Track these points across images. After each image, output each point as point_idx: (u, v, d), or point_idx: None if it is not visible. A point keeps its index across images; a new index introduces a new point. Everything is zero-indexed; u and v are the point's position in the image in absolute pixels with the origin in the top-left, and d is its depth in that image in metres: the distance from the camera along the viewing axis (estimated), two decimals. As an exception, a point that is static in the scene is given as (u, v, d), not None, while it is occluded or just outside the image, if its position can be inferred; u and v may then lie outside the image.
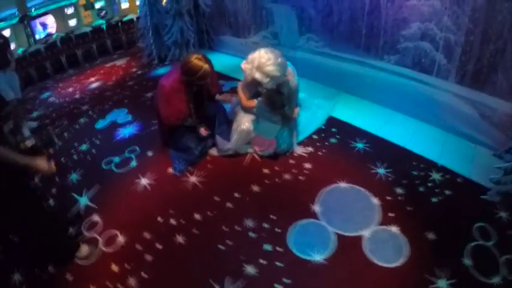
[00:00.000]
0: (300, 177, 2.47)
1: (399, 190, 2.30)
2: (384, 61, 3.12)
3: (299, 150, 2.72)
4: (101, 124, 3.66)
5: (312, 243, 1.96)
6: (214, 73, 2.70)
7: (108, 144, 3.27)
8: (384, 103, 3.24)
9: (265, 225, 2.11)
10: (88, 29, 6.19)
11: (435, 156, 2.61)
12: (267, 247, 1.96)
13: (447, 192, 2.27)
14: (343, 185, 2.37)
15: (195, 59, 2.43)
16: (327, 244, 1.95)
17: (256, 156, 2.74)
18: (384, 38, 3.02)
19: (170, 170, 2.73)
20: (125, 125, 3.55)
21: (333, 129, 2.98)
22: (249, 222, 2.14)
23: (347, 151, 2.73)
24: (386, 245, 1.92)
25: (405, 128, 2.97)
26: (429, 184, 2.35)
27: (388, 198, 2.25)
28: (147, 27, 4.92)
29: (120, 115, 3.76)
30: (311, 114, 3.01)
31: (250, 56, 2.30)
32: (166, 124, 2.69)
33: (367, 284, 1.75)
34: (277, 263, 1.87)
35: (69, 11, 6.50)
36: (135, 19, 6.33)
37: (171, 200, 2.43)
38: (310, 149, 2.75)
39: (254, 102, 2.55)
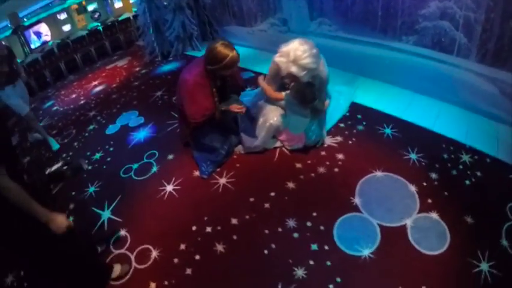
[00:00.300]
0: (335, 169, 2.40)
1: (433, 175, 2.27)
2: (402, 42, 3.03)
3: (328, 140, 2.65)
4: (111, 129, 3.52)
5: (359, 237, 1.92)
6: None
7: (123, 151, 3.13)
8: (404, 85, 3.15)
9: (308, 224, 2.05)
10: (84, 33, 5.99)
11: (461, 137, 2.57)
12: (314, 247, 1.91)
13: (478, 173, 2.26)
14: (379, 174, 2.32)
15: (221, 46, 2.17)
16: (373, 237, 1.91)
17: (285, 151, 2.64)
18: (402, 18, 2.91)
19: (196, 172, 2.62)
20: (138, 128, 3.41)
21: (358, 116, 2.90)
22: (291, 222, 2.07)
23: (376, 138, 2.66)
24: (429, 233, 1.91)
25: (428, 109, 2.91)
26: (460, 167, 2.32)
27: (424, 184, 2.21)
28: (146, 25, 4.73)
29: (131, 118, 3.62)
30: (334, 101, 2.88)
31: (284, 49, 2.09)
32: (193, 123, 2.44)
33: (415, 274, 1.73)
34: (327, 263, 1.82)
35: (62, 16, 6.27)
36: (131, 17, 6.12)
37: (202, 205, 2.32)
38: (339, 138, 2.68)
39: (282, 95, 2.42)
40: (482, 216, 1.97)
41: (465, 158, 2.39)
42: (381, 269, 1.77)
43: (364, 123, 2.83)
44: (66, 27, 6.34)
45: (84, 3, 6.42)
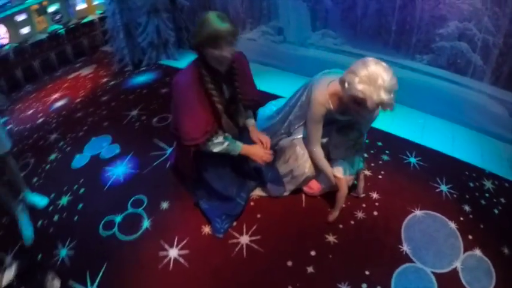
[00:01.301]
0: (375, 213, 2.08)
1: (466, 207, 2.13)
2: (416, 61, 2.82)
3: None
4: (79, 161, 2.76)
5: None
6: (249, 71, 1.90)
7: (98, 194, 2.39)
8: (415, 106, 2.97)
9: (363, 286, 1.70)
10: (44, 36, 4.97)
11: (478, 161, 2.50)
12: None
13: (502, 200, 2.19)
14: (418, 213, 2.08)
15: (211, 14, 1.54)
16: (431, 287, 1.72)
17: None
18: (418, 35, 2.70)
19: (206, 228, 2.03)
20: (114, 160, 2.68)
21: (379, 143, 2.63)
22: (344, 287, 1.71)
23: (403, 169, 2.43)
24: (478, 272, 1.80)
25: (443, 132, 2.78)
26: (487, 195, 2.23)
27: (461, 219, 2.05)
28: (116, 28, 3.96)
29: (103, 146, 2.88)
30: None
31: (363, 73, 1.49)
32: (190, 145, 1.71)
33: None
34: None
35: (21, 17, 5.15)
36: (96, 20, 5.25)
37: (224, 277, 1.77)
38: (367, 172, 2.36)
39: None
40: None
41: (488, 184, 2.31)
42: None
43: (387, 151, 2.57)
44: (25, 30, 5.29)
45: (45, 3, 5.38)
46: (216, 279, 1.78)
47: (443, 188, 2.28)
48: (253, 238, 1.98)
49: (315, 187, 2.15)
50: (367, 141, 2.64)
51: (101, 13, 5.59)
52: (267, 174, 2.11)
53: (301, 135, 2.06)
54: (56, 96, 4.08)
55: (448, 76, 2.75)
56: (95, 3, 5.97)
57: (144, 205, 2.26)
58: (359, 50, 3.08)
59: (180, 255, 1.92)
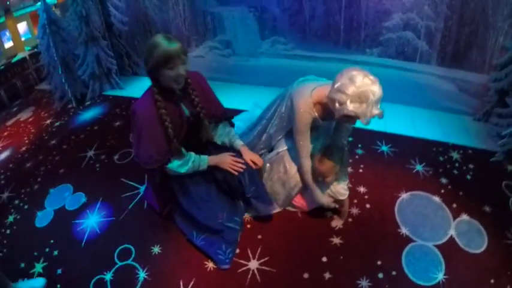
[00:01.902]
0: (367, 206, 2.19)
1: (444, 180, 2.37)
2: (367, 54, 3.06)
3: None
4: (42, 219, 2.46)
5: (427, 265, 1.85)
6: (207, 87, 1.96)
7: (76, 253, 2.15)
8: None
9: (380, 276, 1.78)
10: None
11: (441, 136, 2.79)
12: None
13: (471, 166, 2.49)
14: (405, 196, 2.25)
15: (157, 37, 1.63)
16: (437, 259, 1.89)
17: None
18: (365, 31, 2.94)
19: (209, 264, 1.93)
20: (83, 211, 2.44)
21: (350, 139, 2.73)
22: (364, 282, 1.76)
23: (379, 158, 2.60)
24: (471, 234, 2.02)
25: (403, 116, 3.03)
26: (456, 165, 2.51)
27: (442, 191, 2.28)
28: (52, 63, 3.61)
29: (65, 196, 2.61)
30: None
31: (352, 91, 1.47)
32: (151, 168, 1.81)
33: (485, 273, 1.79)
34: None
35: None
36: (27, 57, 4.71)
37: None
38: (349, 169, 2.43)
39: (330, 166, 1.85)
40: (492, 199, 2.19)
41: (455, 155, 2.60)
42: (460, 281, 1.77)
43: (359, 145, 2.73)
44: None
45: None
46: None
47: (419, 167, 2.49)
48: (262, 261, 1.94)
49: (302, 202, 2.15)
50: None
51: (30, 49, 5.09)
52: (249, 191, 1.92)
53: (286, 147, 2.06)
54: None
55: (399, 64, 3.03)
56: (23, 39, 5.42)
57: (133, 255, 2.08)
58: (311, 53, 3.25)
59: None
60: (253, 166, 1.89)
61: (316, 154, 1.87)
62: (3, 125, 4.05)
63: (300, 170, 1.99)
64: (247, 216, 2.18)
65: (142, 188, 2.53)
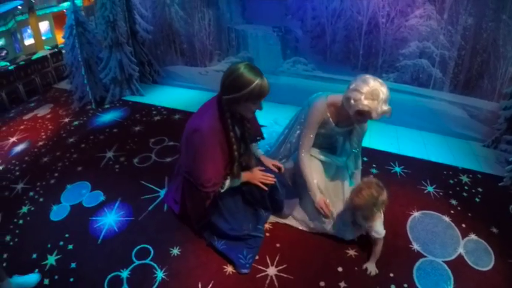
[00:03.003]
0: None
1: (453, 201, 2.54)
2: (383, 79, 3.26)
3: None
4: (58, 213, 2.55)
5: (437, 280, 1.98)
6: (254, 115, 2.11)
7: (92, 249, 2.23)
8: (386, 120, 3.37)
9: (393, 287, 1.90)
10: None
11: (451, 160, 3.00)
12: None
13: (480, 189, 2.67)
14: (416, 214, 2.41)
15: (245, 68, 1.71)
16: (447, 275, 2.01)
17: None
18: (383, 57, 3.19)
19: (228, 268, 2.04)
20: (100, 209, 2.55)
21: (365, 159, 2.92)
22: None
23: (392, 178, 2.75)
24: (478, 253, 2.16)
25: (416, 140, 3.25)
26: (466, 188, 2.69)
27: (452, 212, 2.44)
28: (75, 64, 3.85)
29: (83, 193, 2.72)
30: None
31: (366, 90, 1.78)
32: (209, 192, 1.89)
33: None
34: None
35: None
36: (48, 55, 4.95)
37: None
38: None
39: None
40: (500, 221, 2.36)
41: (464, 179, 2.78)
42: None
43: (374, 165, 2.90)
44: None
45: None
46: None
47: (430, 188, 2.67)
48: (280, 268, 2.05)
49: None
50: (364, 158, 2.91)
51: (50, 48, 5.36)
52: (283, 194, 2.17)
53: None
54: (13, 139, 3.74)
55: (413, 90, 3.28)
56: (43, 38, 5.73)
57: (152, 255, 2.17)
58: (330, 74, 3.51)
59: None
60: (276, 170, 2.07)
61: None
62: (20, 119, 4.24)
63: (299, 164, 2.20)
64: (266, 225, 2.31)
65: (162, 192, 2.67)
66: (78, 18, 3.79)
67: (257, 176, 2.05)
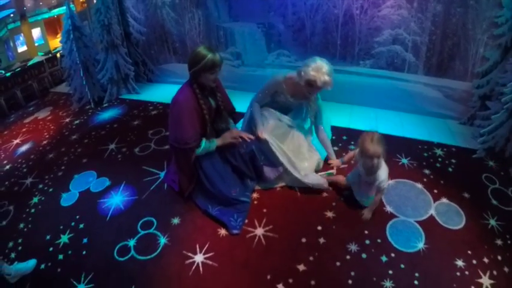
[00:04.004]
0: None
1: (426, 171, 2.88)
2: (360, 66, 3.70)
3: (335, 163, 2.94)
4: (68, 199, 2.94)
5: (409, 236, 2.31)
6: (223, 88, 2.69)
7: (101, 225, 2.62)
8: (366, 103, 3.82)
9: (367, 242, 2.26)
10: None
11: (427, 136, 3.34)
12: (384, 258, 2.15)
13: (453, 161, 3.01)
14: (391, 182, 2.74)
15: (201, 47, 2.33)
16: (418, 232, 2.35)
17: None
18: (359, 45, 3.60)
19: (222, 231, 2.43)
20: (107, 193, 2.93)
21: (344, 137, 3.33)
22: (353, 246, 2.24)
23: (368, 153, 3.15)
24: (450, 214, 2.49)
25: (393, 120, 3.62)
26: (439, 159, 3.02)
27: (425, 180, 2.78)
28: (74, 66, 4.25)
29: (90, 181, 3.11)
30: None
31: (312, 65, 2.46)
32: (188, 148, 2.39)
33: (461, 245, 2.24)
34: (401, 266, 2.10)
35: None
36: (44, 61, 5.37)
37: (254, 264, 2.18)
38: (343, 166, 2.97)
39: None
40: (472, 188, 2.69)
41: (438, 152, 3.13)
42: (439, 250, 2.21)
43: (352, 142, 3.26)
44: None
45: None
46: (246, 269, 2.18)
47: (404, 161, 3.03)
48: (266, 228, 2.44)
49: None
50: (333, 137, 3.29)
51: (43, 54, 5.76)
52: (261, 159, 2.63)
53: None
54: (17, 141, 4.13)
55: (389, 74, 3.66)
56: (36, 44, 6.12)
57: (155, 225, 2.57)
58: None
59: (206, 258, 2.27)
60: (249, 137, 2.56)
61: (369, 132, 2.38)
62: (20, 122, 4.64)
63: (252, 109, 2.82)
64: (254, 193, 2.71)
65: (162, 174, 3.07)
66: (75, 24, 4.20)
67: (228, 136, 2.56)
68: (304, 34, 3.82)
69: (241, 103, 2.99)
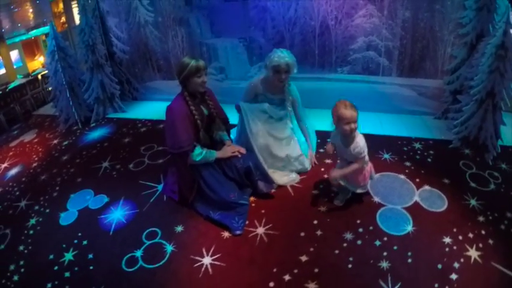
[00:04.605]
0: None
1: (407, 163, 3.22)
2: (338, 73, 4.07)
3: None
4: (67, 218, 3.01)
5: (398, 221, 2.58)
6: (215, 97, 2.95)
7: (106, 240, 2.71)
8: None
9: (360, 230, 2.51)
10: None
11: (405, 132, 3.72)
12: (377, 243, 2.40)
13: (431, 152, 3.37)
14: (375, 175, 2.94)
15: (185, 57, 2.65)
16: (406, 217, 2.62)
17: (296, 185, 3.04)
18: (336, 54, 3.97)
19: (225, 233, 2.62)
20: (107, 208, 3.04)
21: (328, 140, 3.47)
22: (348, 235, 2.48)
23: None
24: (432, 198, 2.79)
25: (372, 121, 3.97)
26: (418, 152, 3.38)
27: (407, 171, 3.11)
28: (59, 87, 4.36)
29: (88, 199, 3.20)
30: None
31: (273, 55, 2.92)
32: (181, 152, 2.62)
33: (447, 224, 2.51)
34: (394, 247, 2.35)
35: None
36: (26, 84, 5.41)
37: (260, 260, 2.37)
38: (328, 161, 3.31)
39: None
40: (451, 174, 3.02)
41: (417, 145, 3.49)
42: (427, 231, 2.48)
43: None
44: None
45: None
46: (253, 265, 2.37)
47: (386, 156, 3.37)
48: (267, 227, 2.66)
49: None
50: (318, 140, 3.57)
51: (22, 77, 5.79)
52: (256, 174, 2.88)
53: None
54: (5, 165, 4.15)
55: (365, 78, 4.06)
56: (15, 67, 6.12)
57: (159, 235, 2.70)
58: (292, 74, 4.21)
59: (214, 260, 2.43)
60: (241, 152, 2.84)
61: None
62: (6, 146, 4.64)
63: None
64: (251, 198, 2.92)
65: (159, 186, 3.22)
66: (59, 44, 4.33)
67: (229, 150, 2.84)
68: (284, 46, 4.06)
69: (229, 115, 3.17)
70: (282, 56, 2.88)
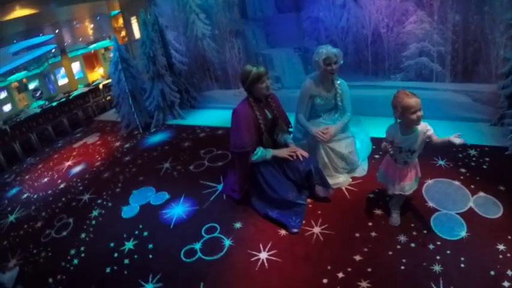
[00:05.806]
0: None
1: (462, 170, 3.26)
2: (391, 80, 4.22)
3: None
4: (128, 212, 3.44)
5: (452, 226, 2.64)
6: (279, 102, 3.21)
7: (166, 232, 3.05)
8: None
9: (414, 233, 2.63)
10: (37, 111, 5.90)
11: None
12: (431, 246, 2.50)
13: (487, 159, 3.37)
14: (430, 181, 3.15)
15: (247, 65, 2.95)
16: (460, 222, 2.68)
17: (350, 187, 3.23)
18: (389, 61, 4.14)
19: (282, 231, 2.83)
20: (167, 204, 3.42)
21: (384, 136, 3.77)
22: (402, 238, 2.60)
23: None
24: (488, 205, 2.79)
25: (426, 128, 4.08)
26: (474, 159, 3.40)
27: (462, 177, 3.16)
28: (122, 95, 4.97)
29: (149, 195, 3.63)
30: (358, 139, 3.64)
31: (319, 49, 3.20)
32: (244, 152, 2.92)
33: (502, 230, 2.54)
34: (447, 252, 2.43)
35: (2, 95, 5.93)
36: (88, 92, 6.26)
37: (314, 257, 2.55)
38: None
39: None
40: (507, 181, 3.01)
41: (472, 152, 3.50)
42: (481, 237, 2.53)
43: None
44: (7, 107, 6.05)
45: (25, 80, 6.27)
46: (308, 262, 2.58)
47: (441, 162, 3.44)
48: (323, 227, 2.87)
49: None
50: (374, 147, 3.75)
51: (83, 87, 6.58)
52: (316, 179, 3.07)
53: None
54: (69, 163, 4.80)
55: (419, 85, 4.13)
56: (76, 77, 6.98)
57: (218, 230, 3.02)
58: (347, 82, 4.38)
59: (270, 255, 2.68)
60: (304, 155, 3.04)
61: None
62: (69, 147, 5.38)
63: (297, 120, 3.36)
64: (308, 200, 3.16)
65: (219, 186, 3.56)
66: (122, 56, 4.94)
67: (285, 152, 3.07)
68: (338, 54, 4.39)
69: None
70: (329, 49, 3.15)
